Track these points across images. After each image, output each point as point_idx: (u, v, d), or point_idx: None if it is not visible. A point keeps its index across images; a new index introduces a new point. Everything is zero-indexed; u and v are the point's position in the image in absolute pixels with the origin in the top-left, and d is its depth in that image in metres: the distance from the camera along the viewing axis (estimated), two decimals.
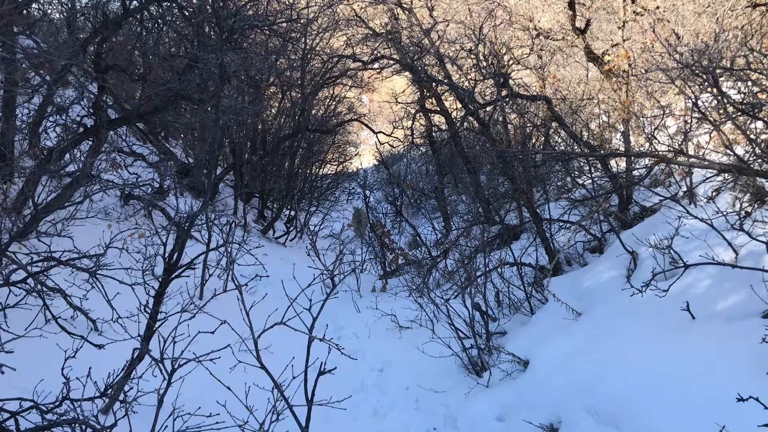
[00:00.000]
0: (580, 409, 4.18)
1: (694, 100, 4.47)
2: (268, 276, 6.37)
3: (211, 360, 2.78)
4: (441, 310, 6.57)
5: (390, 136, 14.77)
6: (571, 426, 4.15)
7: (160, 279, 4.08)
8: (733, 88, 5.15)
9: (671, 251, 4.99)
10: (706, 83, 4.23)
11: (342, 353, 2.83)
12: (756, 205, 5.02)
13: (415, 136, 13.17)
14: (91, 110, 6.66)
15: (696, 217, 4.89)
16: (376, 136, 15.00)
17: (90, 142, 6.63)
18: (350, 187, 17.07)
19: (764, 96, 4.69)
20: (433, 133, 12.82)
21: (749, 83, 4.41)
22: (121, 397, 3.35)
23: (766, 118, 4.30)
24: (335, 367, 2.66)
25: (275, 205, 13.39)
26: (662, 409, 3.67)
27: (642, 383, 3.99)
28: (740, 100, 4.61)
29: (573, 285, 6.20)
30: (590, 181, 8.02)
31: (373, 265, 10.99)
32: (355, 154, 18.72)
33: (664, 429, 3.45)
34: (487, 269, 6.76)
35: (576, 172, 8.73)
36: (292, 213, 13.34)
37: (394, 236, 12.61)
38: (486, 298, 6.56)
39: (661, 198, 6.57)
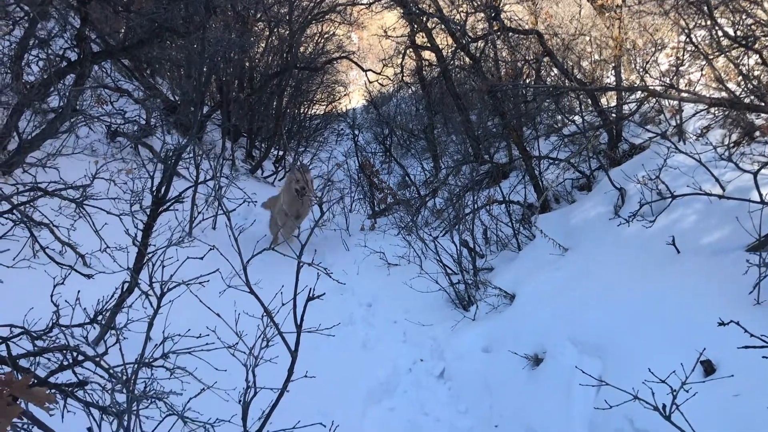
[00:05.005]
0: (564, 340, 4.27)
1: (687, 31, 4.42)
2: (255, 202, 6.36)
3: (200, 284, 2.80)
4: (429, 248, 6.61)
5: (379, 74, 14.55)
6: (555, 356, 4.24)
7: (148, 211, 4.07)
8: (727, 24, 5.09)
9: (659, 182, 5.00)
10: (700, 13, 4.17)
11: (331, 278, 2.85)
12: (745, 141, 5.02)
13: (405, 74, 12.97)
14: (74, 42, 6.49)
15: (684, 152, 4.90)
16: (366, 75, 14.78)
17: (74, 76, 6.50)
18: (339, 127, 16.88)
19: (758, 30, 4.64)
20: (424, 71, 12.62)
21: (743, 15, 4.35)
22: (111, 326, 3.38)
23: (760, 49, 4.26)
24: (324, 293, 2.68)
25: (263, 145, 13.27)
26: (645, 338, 3.75)
27: (626, 314, 4.07)
28: (733, 34, 4.56)
29: (560, 222, 6.24)
30: (580, 118, 7.98)
31: (362, 205, 11.00)
32: (344, 94, 18.46)
33: (646, 357, 3.53)
34: (476, 207, 6.78)
35: (566, 110, 8.68)
36: (281, 153, 13.23)
37: (384, 176, 12.56)
38: (474, 235, 6.61)
39: (651, 134, 6.57)
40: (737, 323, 2.47)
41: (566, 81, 7.39)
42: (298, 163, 9.46)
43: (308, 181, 7.57)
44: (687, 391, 2.35)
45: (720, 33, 4.45)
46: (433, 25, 10.27)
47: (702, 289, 3.86)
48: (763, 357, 2.34)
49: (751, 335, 2.41)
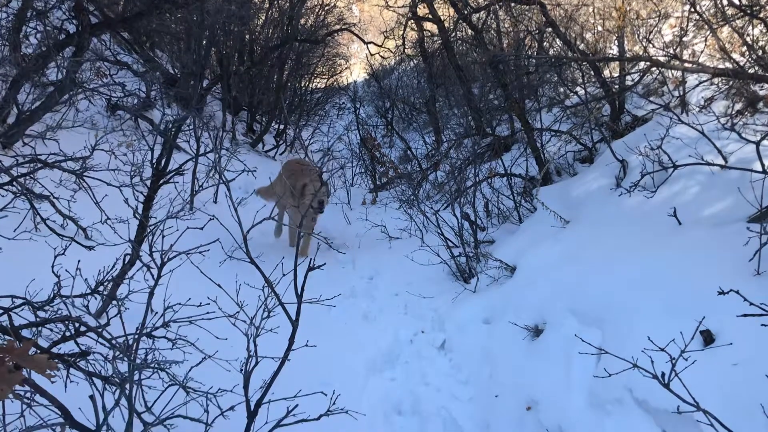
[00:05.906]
0: (564, 311, 4.28)
1: (691, 1, 4.36)
2: (256, 170, 6.33)
3: (201, 254, 2.80)
4: (430, 221, 6.62)
5: (381, 47, 14.43)
6: (555, 327, 4.26)
7: (148, 184, 4.06)
8: None
9: (661, 152, 4.97)
10: None
11: (331, 247, 2.85)
12: (748, 112, 4.99)
13: (406, 47, 12.87)
14: (73, 14, 6.42)
15: (687, 124, 4.87)
16: (367, 47, 14.66)
17: (72, 49, 6.44)
18: (340, 101, 16.79)
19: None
20: (425, 43, 12.52)
21: None
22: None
23: (765, 18, 4.21)
24: (324, 263, 2.68)
25: (264, 119, 13.22)
26: (645, 309, 3.75)
27: (626, 285, 4.07)
28: (738, 2, 4.50)
29: (562, 194, 6.23)
30: (583, 90, 7.92)
31: (363, 179, 10.99)
32: (345, 67, 18.34)
33: (646, 327, 3.53)
34: (477, 180, 6.77)
35: (569, 82, 8.61)
36: (282, 126, 13.18)
37: (385, 150, 12.54)
38: (475, 208, 6.60)
39: (655, 106, 6.52)
40: (737, 292, 2.47)
41: (569, 52, 7.33)
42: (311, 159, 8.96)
43: (325, 197, 6.69)
44: (686, 360, 2.36)
45: (725, 2, 4.39)
46: None
47: (702, 260, 3.85)
48: (762, 325, 2.34)
49: (751, 303, 2.41)
